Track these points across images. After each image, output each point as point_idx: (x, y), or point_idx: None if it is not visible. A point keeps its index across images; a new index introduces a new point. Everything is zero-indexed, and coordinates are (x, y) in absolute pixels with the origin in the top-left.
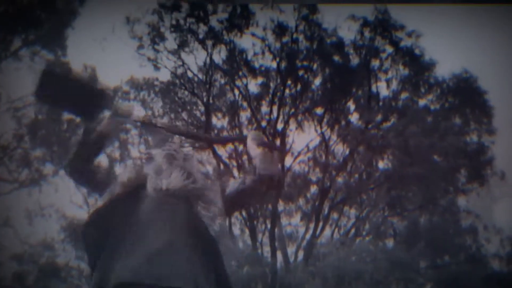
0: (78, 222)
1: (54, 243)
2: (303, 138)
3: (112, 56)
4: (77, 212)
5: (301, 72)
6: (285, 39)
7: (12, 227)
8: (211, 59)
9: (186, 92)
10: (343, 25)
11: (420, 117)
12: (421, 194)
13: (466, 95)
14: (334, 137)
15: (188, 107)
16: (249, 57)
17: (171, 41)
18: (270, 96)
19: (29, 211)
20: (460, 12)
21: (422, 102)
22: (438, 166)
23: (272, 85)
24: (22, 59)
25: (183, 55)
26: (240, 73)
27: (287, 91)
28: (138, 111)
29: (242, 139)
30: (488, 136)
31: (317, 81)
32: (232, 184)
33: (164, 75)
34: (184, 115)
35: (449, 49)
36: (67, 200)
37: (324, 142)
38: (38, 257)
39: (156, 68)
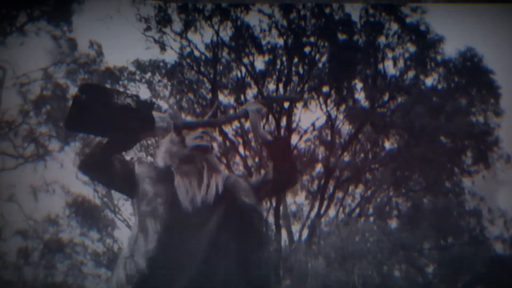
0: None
1: (59, 219)
2: (309, 116)
3: (118, 35)
4: (82, 188)
5: (307, 49)
6: (292, 15)
7: (17, 202)
8: (217, 36)
9: (193, 72)
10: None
11: (427, 96)
12: (426, 175)
13: (472, 74)
14: (340, 116)
15: (195, 86)
16: (255, 34)
17: (177, 23)
18: (276, 73)
19: (34, 186)
20: None
21: (428, 81)
22: (443, 147)
23: (278, 62)
24: (28, 34)
25: (189, 34)
26: (247, 50)
27: (293, 68)
28: None
29: (246, 114)
30: (495, 118)
31: (324, 59)
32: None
33: (170, 57)
34: (190, 95)
35: (456, 26)
36: (72, 177)
37: (330, 121)
38: (43, 232)
39: (163, 49)
